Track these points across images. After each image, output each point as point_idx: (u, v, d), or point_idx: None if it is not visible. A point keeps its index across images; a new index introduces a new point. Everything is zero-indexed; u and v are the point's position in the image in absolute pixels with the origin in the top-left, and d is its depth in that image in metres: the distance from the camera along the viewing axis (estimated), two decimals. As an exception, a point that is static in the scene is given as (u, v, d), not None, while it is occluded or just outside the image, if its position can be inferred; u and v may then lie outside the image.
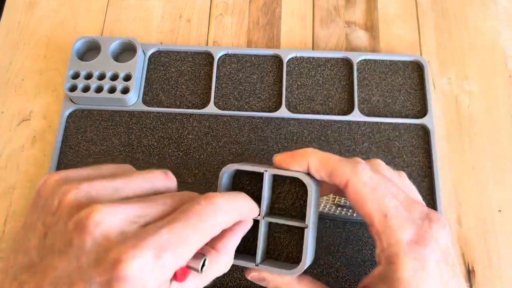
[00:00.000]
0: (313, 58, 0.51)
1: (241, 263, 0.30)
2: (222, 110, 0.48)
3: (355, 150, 0.46)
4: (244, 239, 0.30)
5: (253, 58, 0.51)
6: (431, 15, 0.53)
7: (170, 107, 0.49)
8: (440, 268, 0.27)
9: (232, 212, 0.26)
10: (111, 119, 0.48)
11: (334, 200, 0.40)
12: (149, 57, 0.51)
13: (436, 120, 0.48)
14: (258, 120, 0.48)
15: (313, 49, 0.52)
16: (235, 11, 0.54)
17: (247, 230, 0.29)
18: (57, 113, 0.49)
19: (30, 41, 0.53)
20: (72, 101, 0.48)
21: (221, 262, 0.27)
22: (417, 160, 0.46)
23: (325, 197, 0.41)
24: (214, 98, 0.49)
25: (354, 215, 0.41)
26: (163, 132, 0.47)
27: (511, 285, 0.42)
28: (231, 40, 0.53)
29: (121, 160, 0.46)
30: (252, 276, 0.31)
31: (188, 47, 0.51)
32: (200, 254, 0.25)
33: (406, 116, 0.48)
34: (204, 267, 0.25)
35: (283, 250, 0.32)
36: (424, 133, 0.47)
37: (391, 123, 0.47)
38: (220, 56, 0.51)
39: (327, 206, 0.41)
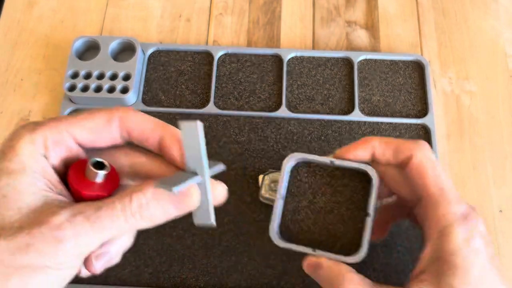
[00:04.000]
0: (313, 57, 0.50)
1: (300, 248, 0.31)
2: (222, 110, 0.48)
3: (355, 150, 0.46)
4: (302, 229, 0.32)
5: (253, 57, 0.51)
6: (431, 15, 0.53)
7: (170, 107, 0.48)
8: (486, 243, 0.29)
9: None
10: (110, 119, 0.48)
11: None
12: (149, 56, 0.51)
13: (437, 120, 0.48)
14: (258, 120, 0.48)
15: (313, 48, 0.52)
16: (235, 10, 0.54)
17: None
18: (56, 113, 0.49)
19: (29, 41, 0.53)
20: (71, 100, 0.48)
21: None
22: (417, 160, 0.46)
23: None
24: (214, 98, 0.49)
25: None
26: (162, 132, 0.47)
27: (511, 285, 0.42)
28: (231, 39, 0.53)
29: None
30: (309, 262, 0.31)
31: (187, 46, 0.51)
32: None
33: (407, 116, 0.48)
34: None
35: (336, 242, 0.32)
36: (425, 133, 0.47)
37: (391, 123, 0.47)
38: (220, 56, 0.51)
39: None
